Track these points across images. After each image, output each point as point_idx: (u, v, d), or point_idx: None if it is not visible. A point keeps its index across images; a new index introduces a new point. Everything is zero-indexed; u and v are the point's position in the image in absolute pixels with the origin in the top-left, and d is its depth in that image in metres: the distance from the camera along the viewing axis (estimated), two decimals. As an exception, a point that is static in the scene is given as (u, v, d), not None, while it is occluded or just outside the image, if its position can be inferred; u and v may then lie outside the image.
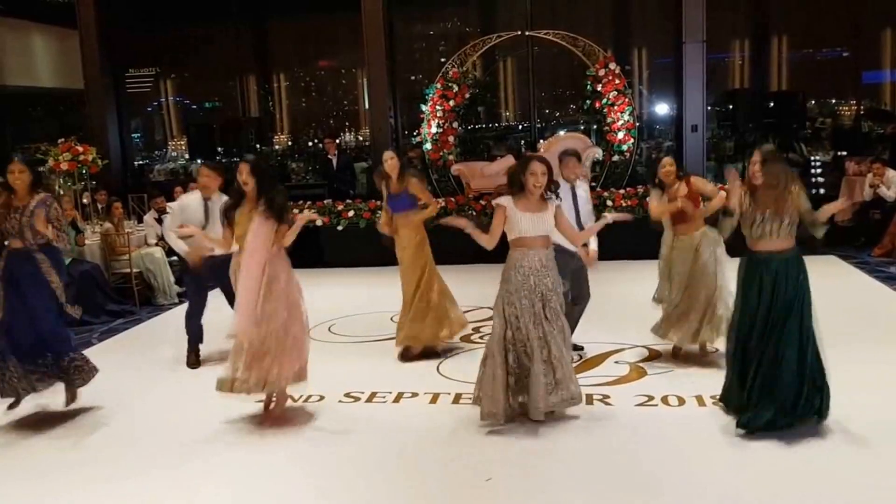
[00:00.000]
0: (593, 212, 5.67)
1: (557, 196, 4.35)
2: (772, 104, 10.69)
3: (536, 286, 4.23)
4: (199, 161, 13.14)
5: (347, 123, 14.34)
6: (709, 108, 10.95)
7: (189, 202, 5.82)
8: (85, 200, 8.98)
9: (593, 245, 5.33)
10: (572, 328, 4.82)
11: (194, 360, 5.87)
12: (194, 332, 5.90)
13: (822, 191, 10.63)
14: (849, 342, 5.39)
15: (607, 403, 4.67)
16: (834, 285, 7.40)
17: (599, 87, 10.02)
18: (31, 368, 4.70)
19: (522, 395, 4.31)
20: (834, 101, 12.99)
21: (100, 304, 7.57)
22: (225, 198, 5.38)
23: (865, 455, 3.82)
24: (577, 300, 5.30)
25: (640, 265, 8.37)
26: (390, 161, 5.66)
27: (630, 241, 8.80)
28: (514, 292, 4.27)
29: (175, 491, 3.81)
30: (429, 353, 5.80)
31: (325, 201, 9.77)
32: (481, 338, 6.19)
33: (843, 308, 6.46)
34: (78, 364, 4.86)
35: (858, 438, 3.99)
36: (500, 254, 4.39)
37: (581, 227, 5.14)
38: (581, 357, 5.47)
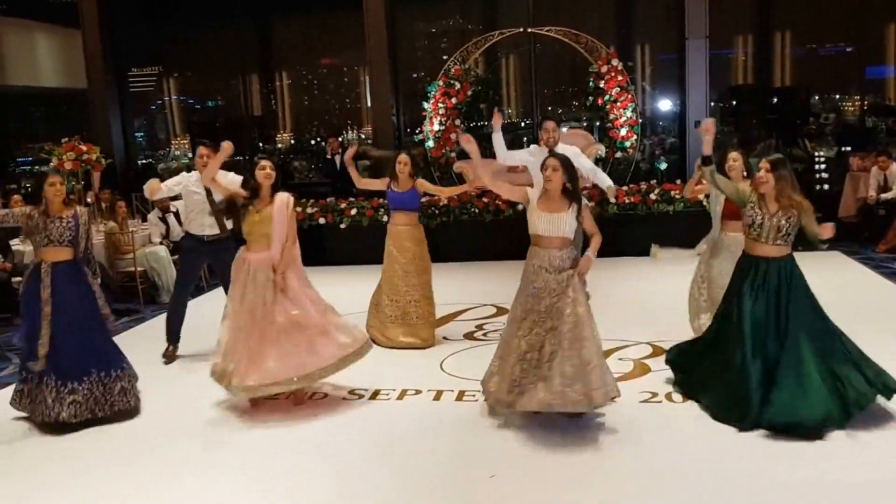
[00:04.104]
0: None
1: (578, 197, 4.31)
2: (775, 100, 10.67)
3: (546, 284, 4.21)
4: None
5: (350, 121, 14.33)
6: (712, 104, 10.92)
7: (188, 178, 5.88)
8: (89, 199, 9.00)
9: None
10: None
11: (171, 355, 6.03)
12: (176, 321, 6.03)
13: (825, 186, 10.60)
14: (855, 338, 5.37)
15: (611, 400, 4.66)
16: (839, 281, 7.38)
17: (602, 84, 9.99)
18: (73, 388, 4.49)
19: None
20: (838, 96, 12.94)
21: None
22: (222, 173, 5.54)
23: (873, 452, 3.82)
24: None
25: (642, 262, 8.37)
26: (405, 166, 5.88)
27: (633, 238, 8.82)
28: (522, 289, 4.31)
29: (181, 486, 3.83)
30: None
31: (328, 199, 9.78)
32: (484, 335, 6.20)
33: (848, 304, 6.43)
34: (125, 387, 4.69)
35: (865, 435, 3.98)
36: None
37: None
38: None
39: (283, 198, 4.77)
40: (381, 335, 5.96)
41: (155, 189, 5.75)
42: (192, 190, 5.85)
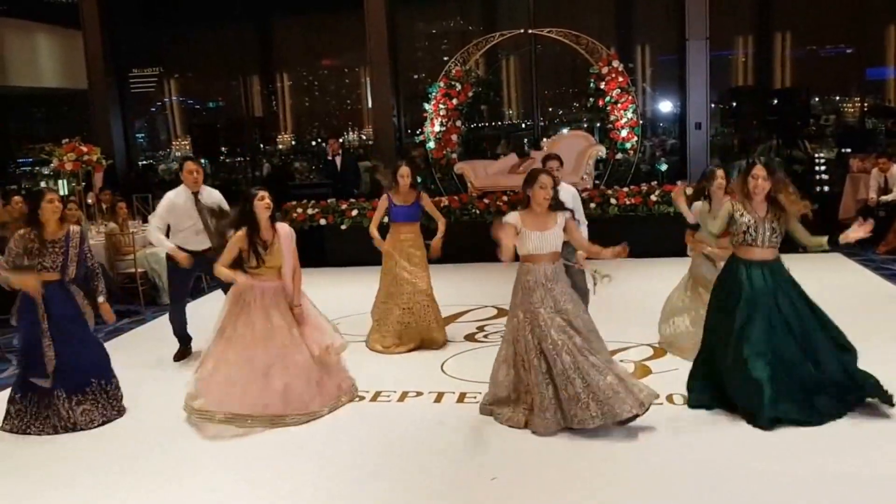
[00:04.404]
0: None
1: (563, 207, 4.32)
2: (775, 101, 10.68)
3: (544, 299, 4.21)
4: (202, 161, 13.20)
5: (350, 122, 14.35)
6: (712, 105, 10.94)
7: (176, 200, 5.69)
8: (90, 200, 9.00)
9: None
10: None
11: (180, 354, 5.98)
12: (179, 327, 5.99)
13: (826, 188, 10.62)
14: (855, 340, 5.37)
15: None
16: (839, 283, 7.38)
17: (602, 85, 10.01)
18: (80, 399, 4.62)
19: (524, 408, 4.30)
20: (838, 97, 12.95)
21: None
22: (209, 190, 5.64)
23: (874, 449, 3.82)
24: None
25: (643, 263, 8.37)
26: (406, 178, 5.86)
27: (634, 239, 8.82)
28: (518, 305, 4.29)
29: (181, 486, 3.83)
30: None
31: (328, 200, 9.78)
32: (485, 336, 6.20)
33: (848, 306, 6.43)
34: (121, 393, 4.87)
35: (867, 436, 3.98)
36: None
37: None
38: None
39: (287, 229, 4.76)
40: (384, 348, 5.92)
41: (184, 257, 5.54)
42: (182, 210, 5.66)
